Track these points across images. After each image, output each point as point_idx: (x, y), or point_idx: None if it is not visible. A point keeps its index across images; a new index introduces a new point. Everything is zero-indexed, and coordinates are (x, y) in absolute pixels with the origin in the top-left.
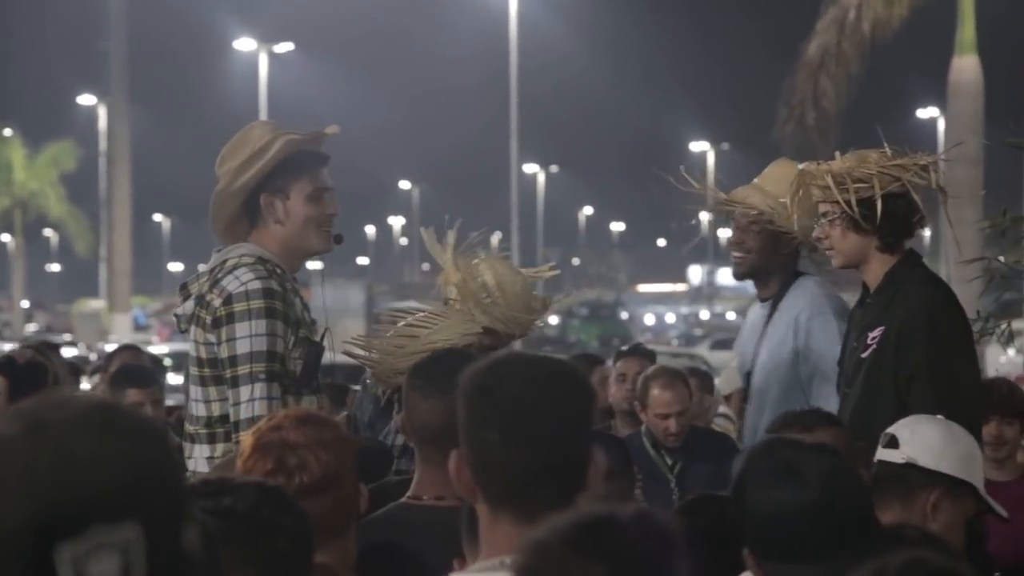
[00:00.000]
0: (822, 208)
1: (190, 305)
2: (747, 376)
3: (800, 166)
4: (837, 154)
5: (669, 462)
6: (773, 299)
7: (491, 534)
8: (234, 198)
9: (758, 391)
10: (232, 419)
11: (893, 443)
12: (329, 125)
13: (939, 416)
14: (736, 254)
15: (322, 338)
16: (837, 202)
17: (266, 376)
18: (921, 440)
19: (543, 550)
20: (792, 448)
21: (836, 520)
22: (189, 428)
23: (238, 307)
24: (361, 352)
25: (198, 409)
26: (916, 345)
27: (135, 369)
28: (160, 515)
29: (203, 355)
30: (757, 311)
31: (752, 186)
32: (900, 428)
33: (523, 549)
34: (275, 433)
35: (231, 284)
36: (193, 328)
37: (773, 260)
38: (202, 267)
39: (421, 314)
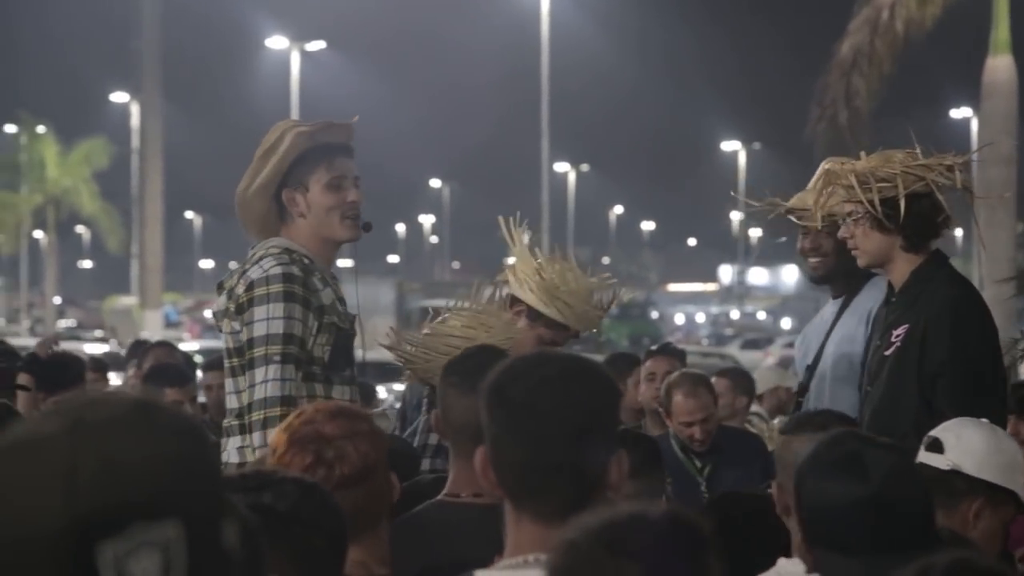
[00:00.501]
0: (847, 208)
1: (222, 300)
2: (808, 369)
3: (825, 165)
4: (863, 154)
5: (698, 464)
6: (846, 297)
7: (514, 532)
8: (256, 198)
9: (820, 384)
10: (247, 401)
11: (937, 447)
12: (353, 119)
13: (984, 420)
14: (813, 259)
15: (351, 326)
16: (861, 201)
17: (281, 358)
18: (966, 446)
19: (577, 549)
20: (861, 442)
21: (892, 517)
22: (224, 423)
23: (258, 291)
24: (405, 348)
25: (231, 402)
26: (941, 344)
27: (170, 368)
28: (200, 513)
29: (231, 345)
30: (829, 307)
31: (810, 191)
32: (945, 432)
33: (556, 549)
34: (309, 427)
35: (254, 272)
36: (224, 321)
37: (850, 260)
38: (233, 264)
39: (467, 313)
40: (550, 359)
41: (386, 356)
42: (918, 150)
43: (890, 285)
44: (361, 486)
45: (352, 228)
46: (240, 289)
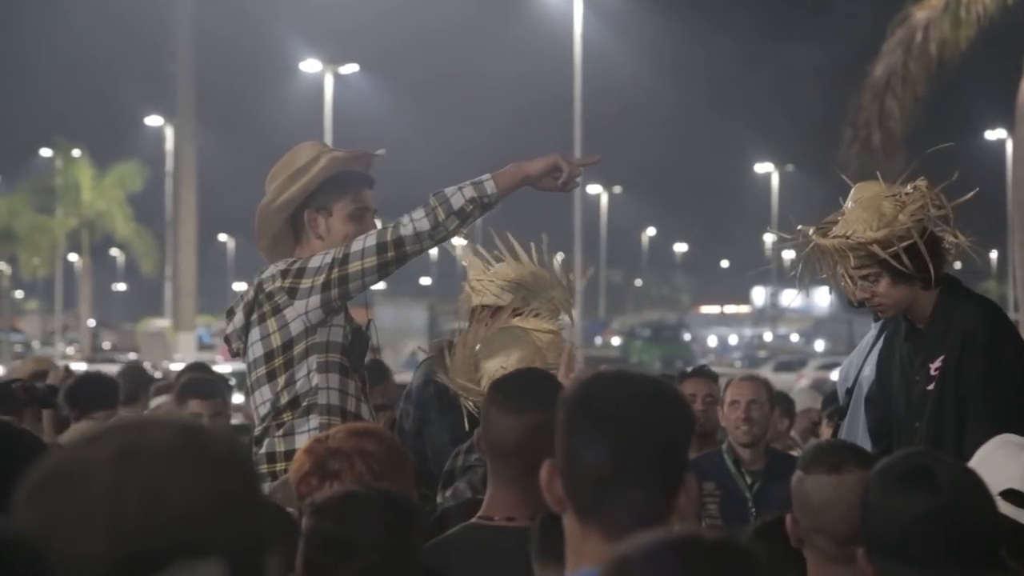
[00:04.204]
0: (861, 273)
1: (239, 318)
2: (847, 393)
3: (822, 241)
4: (849, 203)
5: (748, 481)
6: (885, 320)
7: (579, 549)
8: (278, 213)
9: (855, 409)
10: (299, 391)
11: (1021, 500)
12: (385, 146)
13: None
14: (876, 307)
15: (367, 328)
16: (877, 263)
17: (340, 370)
18: None
19: (630, 566)
20: (933, 457)
21: (960, 531)
22: (257, 430)
23: (296, 264)
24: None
25: (264, 408)
26: (973, 367)
27: (199, 381)
28: (244, 549)
29: (277, 343)
30: (871, 330)
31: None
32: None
33: (609, 564)
34: (329, 441)
35: (276, 267)
36: (257, 329)
37: None
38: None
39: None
40: (632, 378)
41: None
42: (884, 186)
43: (907, 320)
44: None
45: None
46: (276, 283)
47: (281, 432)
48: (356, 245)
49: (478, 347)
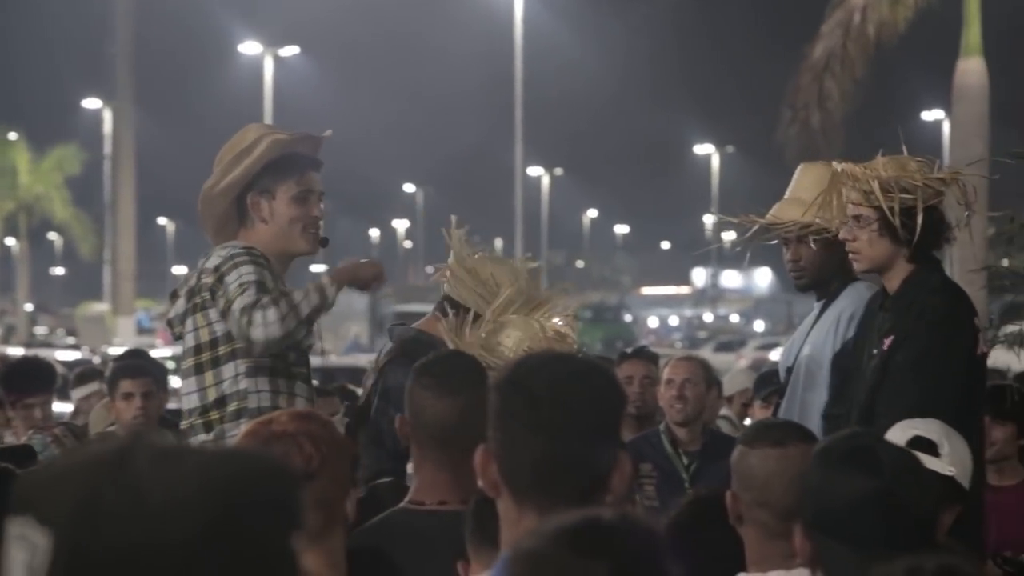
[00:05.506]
0: (854, 211)
1: (181, 303)
2: (788, 371)
3: (839, 166)
4: (880, 158)
5: (685, 461)
6: (827, 300)
7: (515, 530)
8: (221, 197)
9: (793, 388)
10: (227, 390)
11: (932, 449)
12: (327, 129)
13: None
14: (794, 272)
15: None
16: (874, 207)
17: (270, 300)
18: (959, 456)
19: (539, 556)
20: (876, 438)
21: (900, 514)
22: (183, 424)
23: (226, 266)
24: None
25: (191, 401)
26: (914, 344)
27: (127, 365)
28: (94, 538)
29: (204, 338)
30: (814, 310)
31: (788, 200)
32: (934, 435)
33: (517, 559)
34: (271, 424)
35: (214, 259)
36: (191, 319)
37: (829, 266)
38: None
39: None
40: (563, 357)
41: (360, 361)
42: (923, 159)
43: (884, 291)
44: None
45: (311, 242)
46: (209, 278)
47: (212, 435)
48: (232, 315)
49: (484, 334)
